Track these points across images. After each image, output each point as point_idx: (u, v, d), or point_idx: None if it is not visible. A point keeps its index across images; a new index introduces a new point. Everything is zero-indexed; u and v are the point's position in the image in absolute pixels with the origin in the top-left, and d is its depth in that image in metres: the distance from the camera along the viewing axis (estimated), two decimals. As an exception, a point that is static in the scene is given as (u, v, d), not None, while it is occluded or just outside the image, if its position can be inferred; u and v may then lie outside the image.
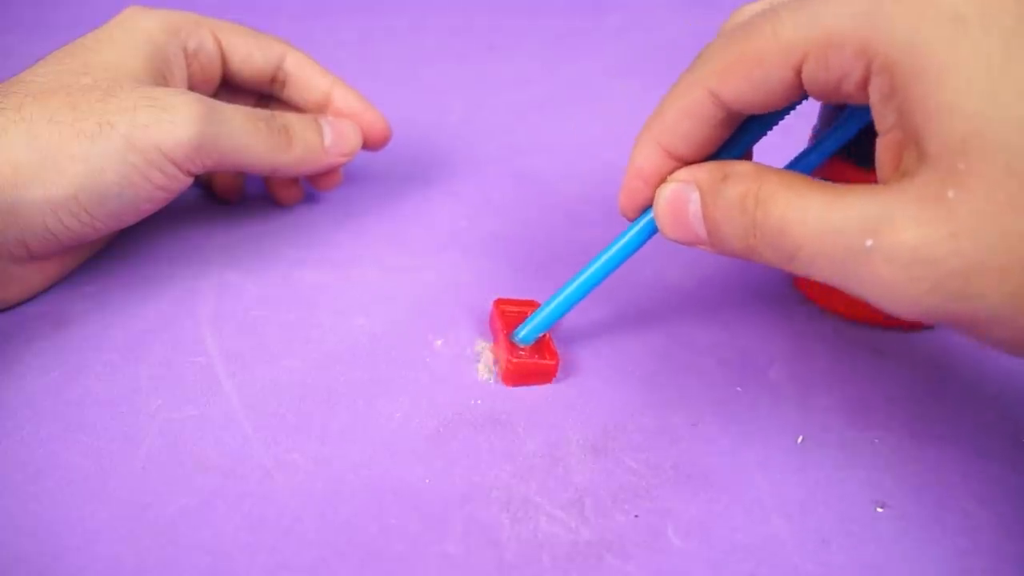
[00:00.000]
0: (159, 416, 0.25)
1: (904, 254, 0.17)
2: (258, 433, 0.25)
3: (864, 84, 0.18)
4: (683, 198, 0.22)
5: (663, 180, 0.23)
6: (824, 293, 0.31)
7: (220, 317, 0.29)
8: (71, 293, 0.30)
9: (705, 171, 0.22)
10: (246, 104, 0.32)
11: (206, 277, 0.31)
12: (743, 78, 0.20)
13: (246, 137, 0.29)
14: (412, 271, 0.32)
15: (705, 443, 0.25)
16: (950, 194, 0.17)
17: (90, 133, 0.25)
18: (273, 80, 0.34)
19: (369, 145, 0.35)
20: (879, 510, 0.23)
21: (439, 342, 0.29)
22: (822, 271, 0.19)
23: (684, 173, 0.22)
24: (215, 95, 0.33)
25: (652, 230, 0.24)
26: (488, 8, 0.61)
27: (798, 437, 0.26)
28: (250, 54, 0.33)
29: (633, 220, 0.25)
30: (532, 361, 0.26)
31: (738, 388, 0.28)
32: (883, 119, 0.19)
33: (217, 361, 0.27)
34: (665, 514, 0.23)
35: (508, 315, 0.28)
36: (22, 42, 0.50)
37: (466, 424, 0.26)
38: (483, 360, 0.28)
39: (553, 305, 0.26)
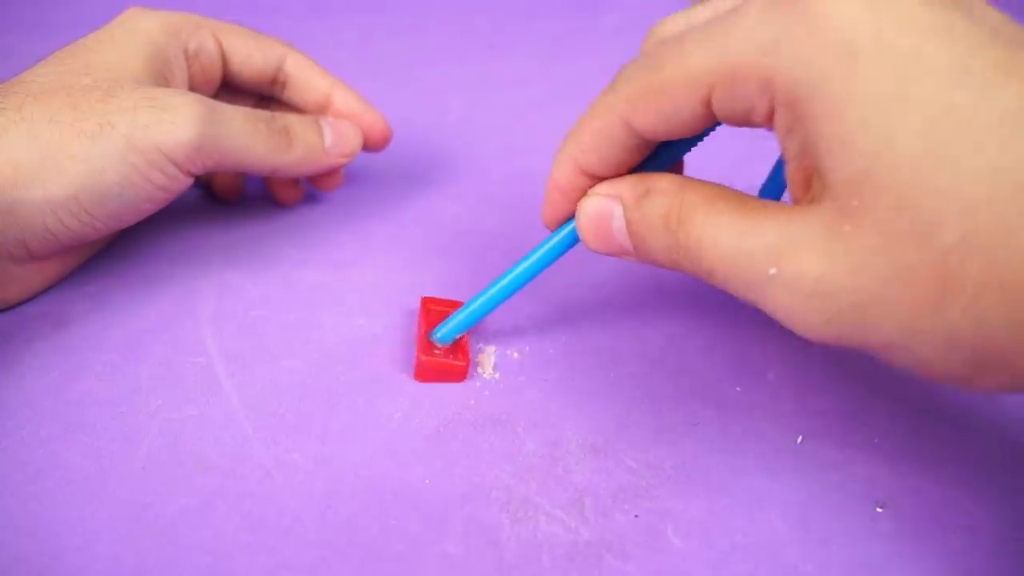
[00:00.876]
0: (159, 416, 0.25)
1: (803, 285, 0.18)
2: (258, 433, 0.25)
3: (771, 116, 0.18)
4: (606, 213, 0.22)
5: (582, 194, 0.23)
6: None
7: (220, 317, 0.29)
8: (71, 293, 0.30)
9: (627, 186, 0.22)
10: (246, 105, 0.32)
11: (206, 277, 0.31)
12: (654, 110, 0.20)
13: (247, 138, 0.29)
14: (412, 271, 0.32)
15: (705, 443, 0.25)
16: (846, 228, 0.17)
17: (91, 133, 0.25)
18: (273, 81, 0.34)
19: (369, 146, 0.35)
20: (879, 510, 0.23)
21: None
22: (737, 292, 0.20)
23: (605, 188, 0.23)
24: (215, 96, 0.33)
25: (573, 240, 0.25)
26: (488, 8, 0.61)
27: (798, 437, 0.26)
28: (250, 55, 0.33)
29: (553, 230, 0.25)
30: (443, 360, 0.27)
31: (738, 388, 0.28)
32: (787, 150, 0.19)
33: (217, 361, 0.27)
34: (665, 514, 0.23)
35: (432, 313, 0.28)
36: (22, 42, 0.50)
37: (466, 424, 0.26)
38: (486, 357, 0.28)
39: (471, 308, 0.27)
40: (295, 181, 0.36)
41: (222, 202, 0.36)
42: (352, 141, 0.33)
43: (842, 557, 0.22)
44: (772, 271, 0.18)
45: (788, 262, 0.18)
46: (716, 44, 0.18)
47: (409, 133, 0.41)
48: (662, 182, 0.21)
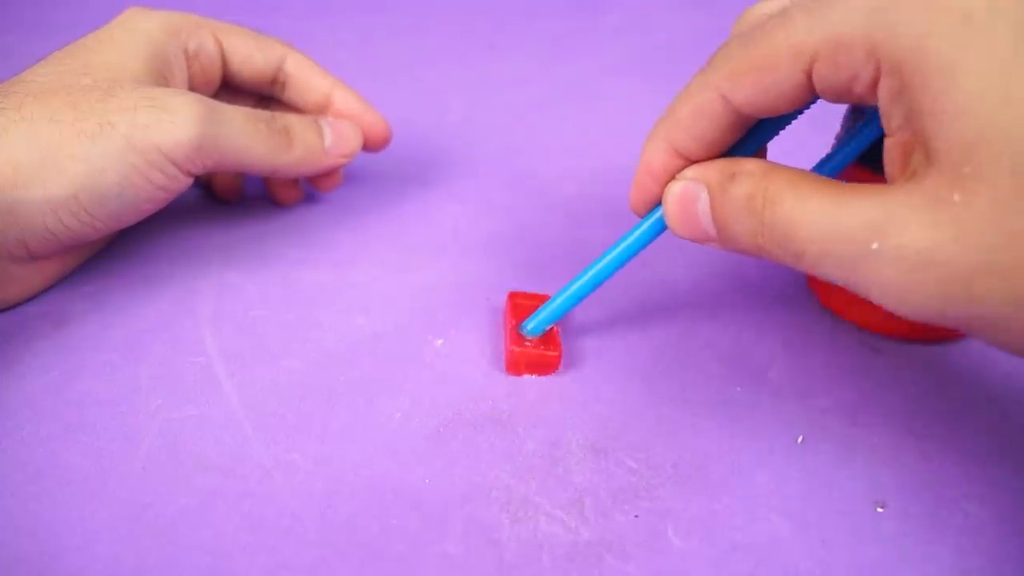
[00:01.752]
0: (159, 416, 0.25)
1: (909, 257, 0.17)
2: (258, 433, 0.25)
3: (874, 85, 0.18)
4: (692, 196, 0.22)
5: (672, 178, 0.23)
6: (844, 305, 0.31)
7: (220, 317, 0.29)
8: (71, 293, 0.30)
9: (714, 169, 0.22)
10: (246, 105, 0.32)
11: (206, 277, 0.31)
12: (754, 83, 0.20)
13: (246, 138, 0.29)
14: (412, 271, 0.32)
15: (705, 443, 0.25)
16: (956, 197, 0.17)
17: (90, 133, 0.25)
18: (273, 81, 0.34)
19: (369, 146, 0.35)
20: (879, 510, 0.23)
21: (439, 342, 0.29)
22: (829, 272, 0.19)
23: (692, 171, 0.22)
24: (215, 96, 0.33)
25: (662, 227, 0.24)
26: (488, 8, 0.61)
27: (798, 437, 0.26)
28: (251, 55, 0.33)
29: (643, 217, 0.25)
30: (535, 351, 0.27)
31: (738, 388, 0.28)
32: (891, 120, 0.19)
33: (217, 361, 0.27)
34: (665, 514, 0.23)
35: (519, 307, 0.28)
36: (22, 42, 0.50)
37: (466, 424, 0.26)
38: None
39: (561, 299, 0.27)
40: (295, 181, 0.36)
41: (222, 202, 0.36)
42: (352, 141, 0.33)
43: (842, 557, 0.22)
44: (874, 245, 0.18)
45: (891, 235, 0.17)
46: (821, 14, 0.18)
47: (409, 133, 0.42)
48: (748, 165, 0.21)
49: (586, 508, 0.23)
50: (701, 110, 0.21)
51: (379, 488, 0.23)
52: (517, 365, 0.27)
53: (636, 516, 0.23)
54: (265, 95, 0.35)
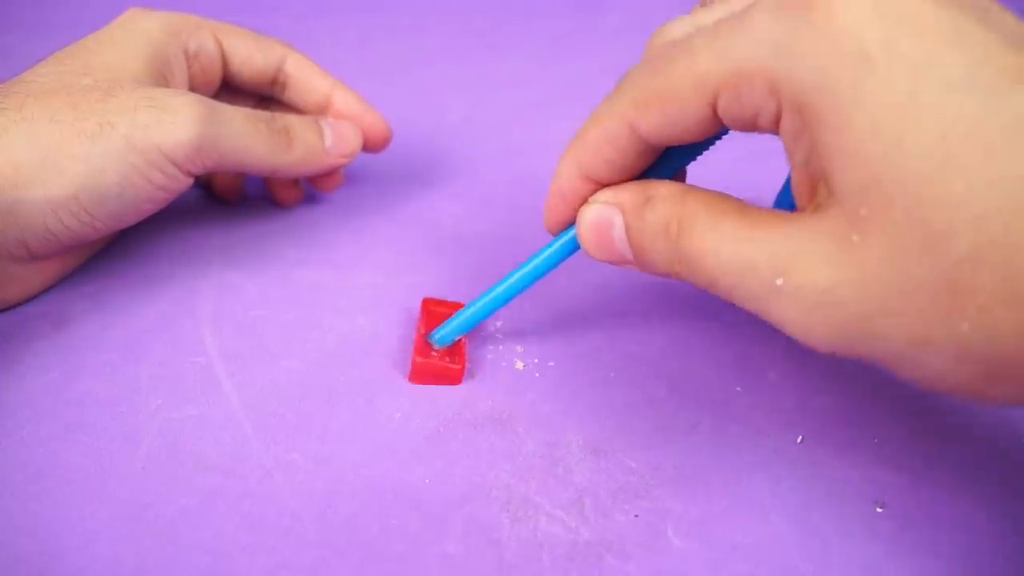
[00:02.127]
0: (159, 416, 0.25)
1: (809, 296, 0.17)
2: (258, 433, 0.25)
3: (777, 121, 0.18)
4: (606, 221, 0.22)
5: (584, 200, 0.23)
6: None
7: (220, 317, 0.29)
8: (71, 293, 0.30)
9: (628, 193, 0.22)
10: (246, 106, 0.32)
11: (206, 277, 0.31)
12: (659, 113, 0.20)
13: (247, 138, 0.29)
14: (412, 271, 0.32)
15: (705, 443, 0.25)
16: (854, 238, 0.17)
17: (91, 133, 0.25)
18: (273, 82, 0.34)
19: (369, 147, 0.35)
20: (879, 510, 0.23)
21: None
22: (741, 303, 0.19)
23: (605, 195, 0.22)
24: (216, 97, 0.33)
25: (575, 246, 0.24)
26: (488, 8, 0.61)
27: (798, 437, 0.26)
28: (251, 56, 0.33)
29: (555, 235, 0.25)
30: (439, 363, 0.27)
31: (738, 388, 0.28)
32: (793, 156, 0.18)
33: (217, 361, 0.27)
34: (665, 514, 0.23)
35: (432, 315, 0.28)
36: (22, 42, 0.50)
37: (466, 424, 0.26)
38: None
39: (470, 311, 0.27)
40: (295, 181, 0.36)
41: (222, 202, 0.36)
42: (352, 142, 0.33)
43: (842, 557, 0.22)
44: (779, 281, 0.18)
45: (794, 272, 0.18)
46: (723, 46, 0.18)
47: (409, 133, 0.41)
48: (663, 189, 0.21)
49: (586, 508, 0.23)
50: (608, 137, 0.21)
51: (379, 488, 0.23)
52: (420, 375, 0.27)
53: (636, 516, 0.23)
54: (265, 96, 0.35)
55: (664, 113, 0.20)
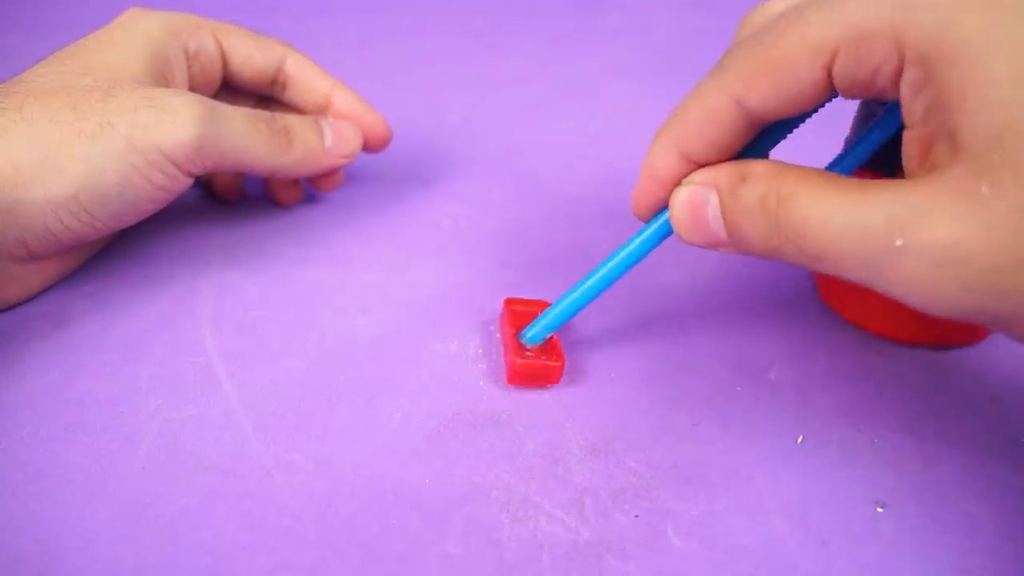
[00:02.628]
0: (159, 416, 0.25)
1: (937, 252, 0.17)
2: (258, 433, 0.25)
3: (898, 77, 0.18)
4: (701, 201, 0.22)
5: (678, 183, 0.23)
6: (857, 311, 0.30)
7: (220, 317, 0.29)
8: (71, 293, 0.30)
9: (723, 172, 0.21)
10: (246, 106, 0.32)
11: (206, 277, 0.31)
12: (771, 85, 0.19)
13: (247, 138, 0.29)
14: (412, 271, 0.32)
15: (705, 443, 0.25)
16: (984, 189, 0.16)
17: (91, 133, 0.25)
18: (274, 82, 0.34)
19: (369, 147, 0.35)
20: (879, 510, 0.24)
21: (439, 342, 0.29)
22: (850, 271, 0.19)
23: (700, 175, 0.22)
24: (216, 97, 0.33)
25: (666, 232, 0.24)
26: (488, 8, 0.61)
27: (798, 437, 0.26)
28: (251, 56, 0.33)
29: (646, 221, 0.24)
30: (537, 362, 0.26)
31: (738, 388, 0.28)
32: (912, 112, 0.18)
33: (217, 361, 0.27)
34: (665, 514, 0.23)
35: (517, 315, 0.28)
36: (22, 42, 0.50)
37: (466, 424, 0.26)
38: None
39: (562, 306, 0.26)
40: (295, 181, 0.36)
41: (222, 202, 0.36)
42: (352, 142, 0.33)
43: (842, 557, 0.22)
44: (899, 242, 0.17)
45: (916, 230, 0.17)
46: (840, 7, 0.18)
47: (409, 133, 0.42)
48: (758, 166, 0.21)
49: (586, 508, 0.23)
50: (712, 114, 0.21)
51: (379, 488, 0.23)
52: (519, 376, 0.26)
53: (636, 516, 0.23)
54: (265, 96, 0.35)
55: (777, 83, 0.19)
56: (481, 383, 0.27)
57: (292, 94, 0.34)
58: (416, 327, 0.29)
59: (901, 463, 0.25)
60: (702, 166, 0.22)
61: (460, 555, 0.22)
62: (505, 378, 0.27)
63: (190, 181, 0.28)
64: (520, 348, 0.27)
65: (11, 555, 0.21)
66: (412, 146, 0.41)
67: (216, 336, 0.28)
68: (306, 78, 0.34)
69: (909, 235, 0.17)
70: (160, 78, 0.29)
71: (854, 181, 0.19)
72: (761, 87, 0.20)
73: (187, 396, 0.26)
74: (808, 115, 0.22)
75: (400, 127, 0.38)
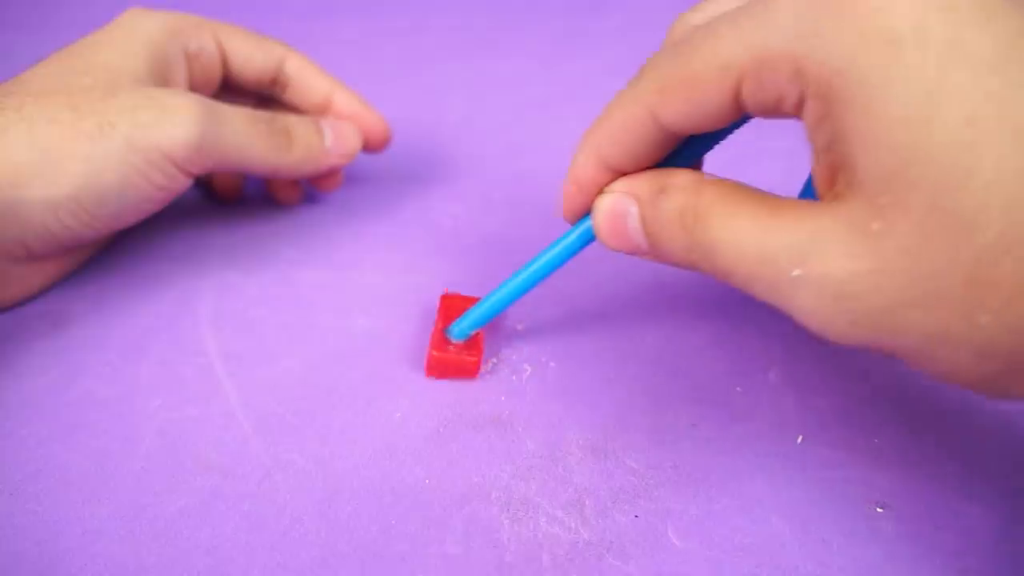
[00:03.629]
0: (159, 416, 0.25)
1: (827, 287, 0.17)
2: (258, 433, 0.25)
3: (800, 106, 0.18)
4: (621, 211, 0.22)
5: (600, 189, 0.23)
6: None
7: (220, 317, 0.29)
8: (71, 293, 0.30)
9: (643, 182, 0.22)
10: (246, 106, 0.32)
11: (206, 277, 0.31)
12: (683, 101, 0.19)
13: (247, 138, 0.29)
14: (412, 271, 0.32)
15: (705, 443, 0.25)
16: (875, 227, 0.16)
17: (90, 133, 0.25)
18: (274, 82, 0.34)
19: (369, 147, 0.35)
20: (879, 510, 0.23)
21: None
22: (757, 293, 0.19)
23: (622, 184, 0.22)
24: (215, 97, 0.33)
25: (590, 237, 0.24)
26: (488, 8, 0.61)
27: (798, 437, 0.26)
28: (251, 56, 0.33)
29: (572, 225, 0.25)
30: (455, 356, 0.27)
31: (738, 388, 0.28)
32: (815, 141, 0.18)
33: (217, 361, 0.27)
34: (665, 514, 0.23)
35: (451, 309, 0.28)
36: (22, 42, 0.50)
37: (466, 424, 0.26)
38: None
39: (487, 304, 0.26)
40: (295, 181, 0.36)
41: (222, 202, 0.36)
42: (352, 141, 0.33)
43: (842, 557, 0.22)
44: (796, 272, 0.17)
45: (813, 263, 0.17)
46: (748, 31, 0.18)
47: (409, 133, 0.42)
48: (679, 178, 0.21)
49: (586, 508, 0.23)
50: (629, 124, 0.21)
51: (379, 488, 0.23)
52: (436, 369, 0.27)
53: (636, 516, 0.23)
54: (265, 96, 0.35)
55: (688, 100, 0.19)
56: (481, 383, 0.27)
57: (292, 94, 0.34)
58: (416, 327, 0.29)
59: (901, 463, 0.25)
60: (624, 175, 0.22)
61: (460, 555, 0.22)
62: (424, 370, 0.27)
63: (190, 181, 0.28)
64: (443, 341, 0.27)
65: (11, 555, 0.21)
66: (412, 146, 0.41)
67: (216, 336, 0.28)
68: (306, 78, 0.34)
69: (805, 267, 0.17)
70: (160, 78, 0.29)
71: (768, 201, 0.19)
72: (674, 102, 0.20)
73: (187, 396, 0.26)
74: (729, 131, 0.22)
75: (400, 127, 0.38)
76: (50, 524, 0.22)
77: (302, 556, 0.21)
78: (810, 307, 0.18)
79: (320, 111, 0.34)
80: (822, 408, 0.27)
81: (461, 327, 0.27)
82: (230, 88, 0.34)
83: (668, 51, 0.20)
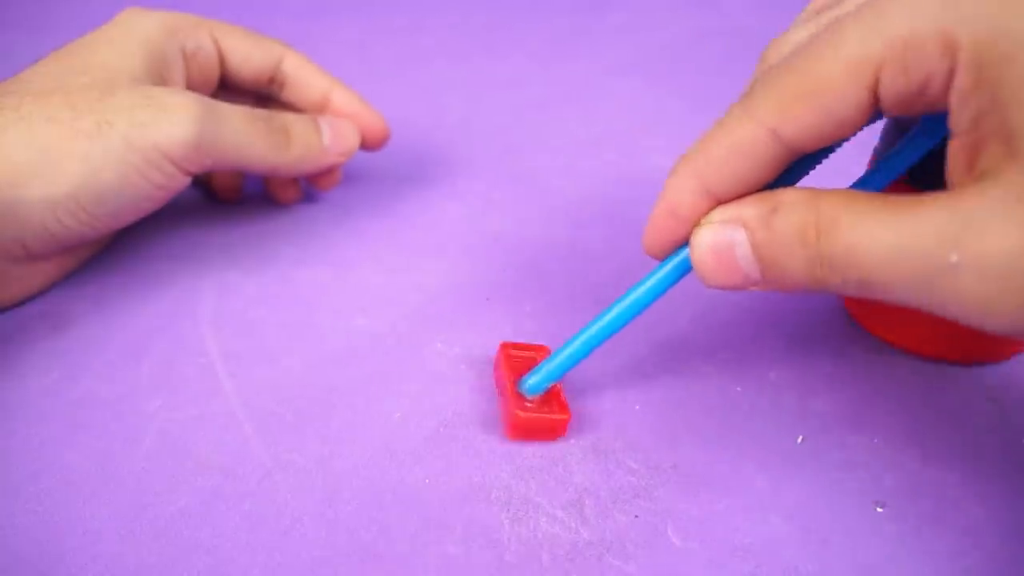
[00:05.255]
0: (159, 416, 0.25)
1: (995, 264, 0.16)
2: (258, 433, 0.25)
3: (948, 86, 0.17)
4: (727, 241, 0.20)
5: (698, 220, 0.21)
6: (889, 328, 0.29)
7: (220, 317, 0.29)
8: (71, 293, 0.30)
9: (750, 206, 0.20)
10: (244, 105, 0.32)
11: (206, 277, 0.31)
12: (809, 111, 0.18)
13: (245, 136, 0.29)
14: (411, 271, 0.32)
15: (705, 443, 0.25)
16: None
17: (88, 132, 0.25)
18: (271, 81, 0.34)
19: (368, 145, 0.35)
20: (879, 510, 0.24)
21: (439, 342, 0.29)
22: (901, 294, 0.18)
23: (723, 213, 0.20)
24: (213, 96, 0.33)
25: (684, 271, 0.22)
26: (488, 8, 0.61)
27: (798, 437, 0.26)
28: (249, 55, 0.33)
29: (661, 259, 0.23)
30: (542, 416, 0.24)
31: (738, 388, 0.28)
32: (960, 118, 0.17)
33: (217, 361, 0.27)
34: (665, 514, 0.23)
35: (515, 360, 0.26)
36: (22, 42, 0.50)
37: (466, 424, 0.26)
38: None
39: (567, 352, 0.24)
40: (294, 180, 0.36)
41: (222, 202, 0.36)
42: (350, 139, 0.33)
43: (842, 557, 0.22)
44: (953, 257, 0.16)
45: (971, 243, 0.16)
46: (881, 18, 0.17)
47: (408, 133, 0.42)
48: (790, 195, 0.19)
49: (586, 508, 0.23)
50: (742, 146, 0.19)
51: (379, 488, 0.23)
52: (521, 431, 0.24)
53: (636, 516, 0.23)
54: (263, 95, 0.35)
55: (816, 109, 0.18)
56: (481, 383, 0.27)
57: (290, 93, 0.34)
58: (416, 327, 0.29)
59: (901, 463, 0.25)
60: (723, 202, 0.21)
61: (460, 555, 0.22)
62: (505, 431, 0.25)
63: (188, 179, 0.28)
64: (521, 400, 0.24)
65: (11, 555, 0.21)
66: (412, 146, 0.41)
67: (216, 336, 0.28)
68: (304, 77, 0.34)
69: (963, 249, 0.16)
70: (158, 77, 0.29)
71: (895, 198, 0.17)
72: (798, 115, 0.18)
73: (187, 396, 0.26)
74: (834, 147, 0.21)
75: (400, 127, 0.38)
76: (51, 524, 0.22)
77: (302, 556, 0.21)
78: (972, 292, 0.16)
79: (318, 109, 0.35)
80: (822, 408, 0.27)
81: (537, 380, 0.24)
82: (228, 87, 0.34)
83: (781, 65, 0.19)
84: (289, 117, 0.32)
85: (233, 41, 0.33)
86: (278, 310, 0.30)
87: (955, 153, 0.18)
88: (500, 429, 0.25)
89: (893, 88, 0.17)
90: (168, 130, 0.26)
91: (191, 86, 0.32)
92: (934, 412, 0.27)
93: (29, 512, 0.22)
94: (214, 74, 0.33)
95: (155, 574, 0.21)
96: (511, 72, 0.52)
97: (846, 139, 0.20)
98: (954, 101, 0.17)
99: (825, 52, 0.18)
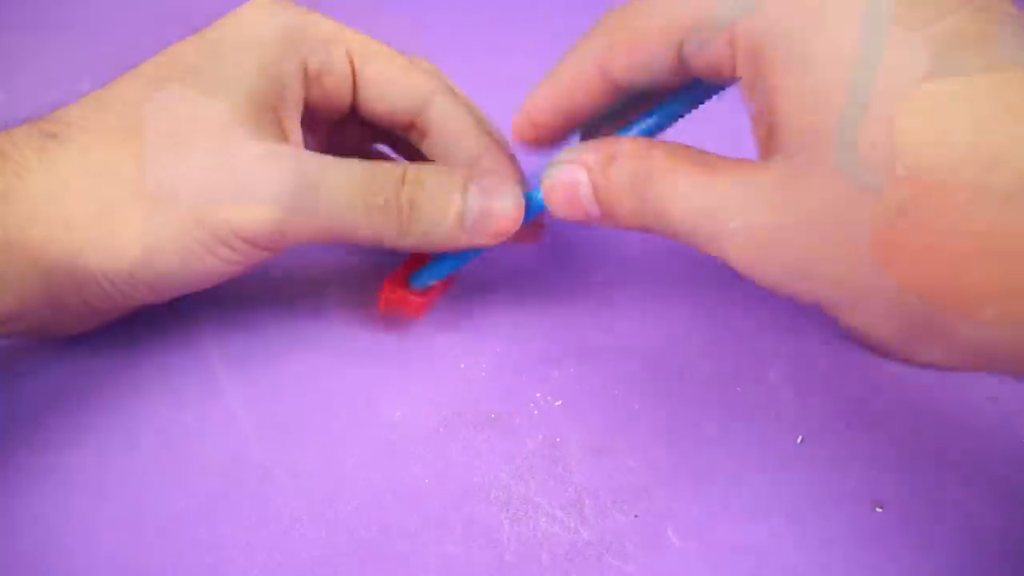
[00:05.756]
0: (159, 417, 0.25)
1: (758, 237, 0.19)
2: (258, 433, 0.25)
3: (734, 69, 0.19)
4: (572, 180, 0.22)
5: (555, 131, 0.24)
6: None
7: (220, 317, 0.29)
8: (71, 293, 0.30)
9: (591, 152, 0.22)
10: (368, 140, 0.28)
11: (206, 277, 0.31)
12: (628, 56, 0.21)
13: (350, 213, 0.23)
14: (412, 271, 0.32)
15: (705, 443, 0.25)
16: (797, 184, 0.18)
17: (152, 197, 0.22)
18: (411, 127, 0.27)
19: (519, 237, 0.25)
20: (879, 510, 0.23)
21: (439, 342, 0.29)
22: (700, 246, 0.20)
23: (568, 154, 0.23)
24: (339, 125, 0.28)
25: (539, 206, 0.25)
26: (488, 8, 0.61)
27: (798, 437, 0.26)
28: (389, 92, 0.27)
29: (521, 143, 0.26)
30: (405, 295, 0.27)
31: (738, 388, 0.27)
32: (751, 104, 0.19)
33: (217, 361, 0.27)
34: (665, 514, 0.23)
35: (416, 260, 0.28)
36: (22, 42, 0.50)
37: (466, 424, 0.26)
38: None
39: (446, 258, 0.27)
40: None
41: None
42: (502, 223, 0.24)
43: (842, 557, 0.22)
44: (732, 224, 0.19)
45: (746, 214, 0.19)
46: None
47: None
48: (627, 145, 0.22)
49: (586, 508, 0.23)
50: (580, 76, 0.22)
51: (379, 488, 0.23)
52: (386, 304, 0.27)
53: (636, 516, 0.23)
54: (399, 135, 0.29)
55: (634, 55, 0.21)
56: (481, 382, 0.27)
57: (432, 147, 0.27)
58: (416, 326, 0.29)
59: (901, 463, 0.25)
60: (571, 119, 0.24)
61: (460, 555, 0.22)
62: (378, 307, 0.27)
63: (271, 254, 0.25)
64: (400, 283, 0.27)
65: (11, 555, 0.21)
66: (412, 146, 0.41)
67: (216, 336, 0.28)
68: (454, 135, 0.27)
69: (740, 218, 0.19)
70: (264, 106, 0.24)
71: (712, 160, 0.20)
72: (621, 58, 0.21)
73: (188, 397, 0.26)
74: (697, 100, 0.23)
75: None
76: (51, 525, 0.22)
77: (302, 556, 0.21)
78: (746, 256, 0.19)
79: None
80: (822, 408, 0.27)
81: (422, 277, 0.27)
82: (356, 116, 0.28)
83: (618, 11, 0.21)
84: (425, 178, 0.24)
85: (374, 68, 0.27)
86: (278, 310, 0.30)
87: (755, 126, 0.20)
88: (499, 426, 0.25)
89: (692, 58, 0.20)
90: (244, 211, 0.22)
91: (310, 112, 0.26)
92: (934, 412, 0.27)
93: (29, 512, 0.22)
94: (342, 104, 0.27)
95: (155, 574, 0.21)
96: (511, 72, 0.52)
97: (695, 98, 0.23)
98: (744, 87, 0.19)
99: (649, 8, 0.20)
